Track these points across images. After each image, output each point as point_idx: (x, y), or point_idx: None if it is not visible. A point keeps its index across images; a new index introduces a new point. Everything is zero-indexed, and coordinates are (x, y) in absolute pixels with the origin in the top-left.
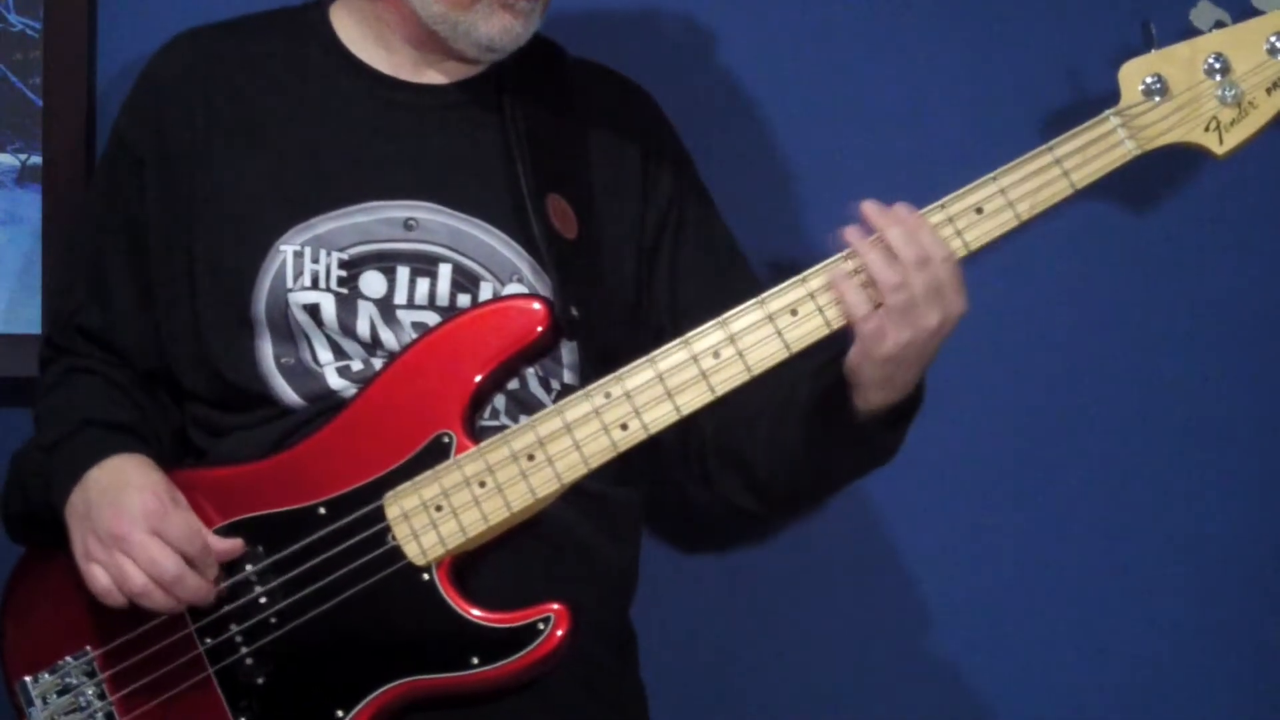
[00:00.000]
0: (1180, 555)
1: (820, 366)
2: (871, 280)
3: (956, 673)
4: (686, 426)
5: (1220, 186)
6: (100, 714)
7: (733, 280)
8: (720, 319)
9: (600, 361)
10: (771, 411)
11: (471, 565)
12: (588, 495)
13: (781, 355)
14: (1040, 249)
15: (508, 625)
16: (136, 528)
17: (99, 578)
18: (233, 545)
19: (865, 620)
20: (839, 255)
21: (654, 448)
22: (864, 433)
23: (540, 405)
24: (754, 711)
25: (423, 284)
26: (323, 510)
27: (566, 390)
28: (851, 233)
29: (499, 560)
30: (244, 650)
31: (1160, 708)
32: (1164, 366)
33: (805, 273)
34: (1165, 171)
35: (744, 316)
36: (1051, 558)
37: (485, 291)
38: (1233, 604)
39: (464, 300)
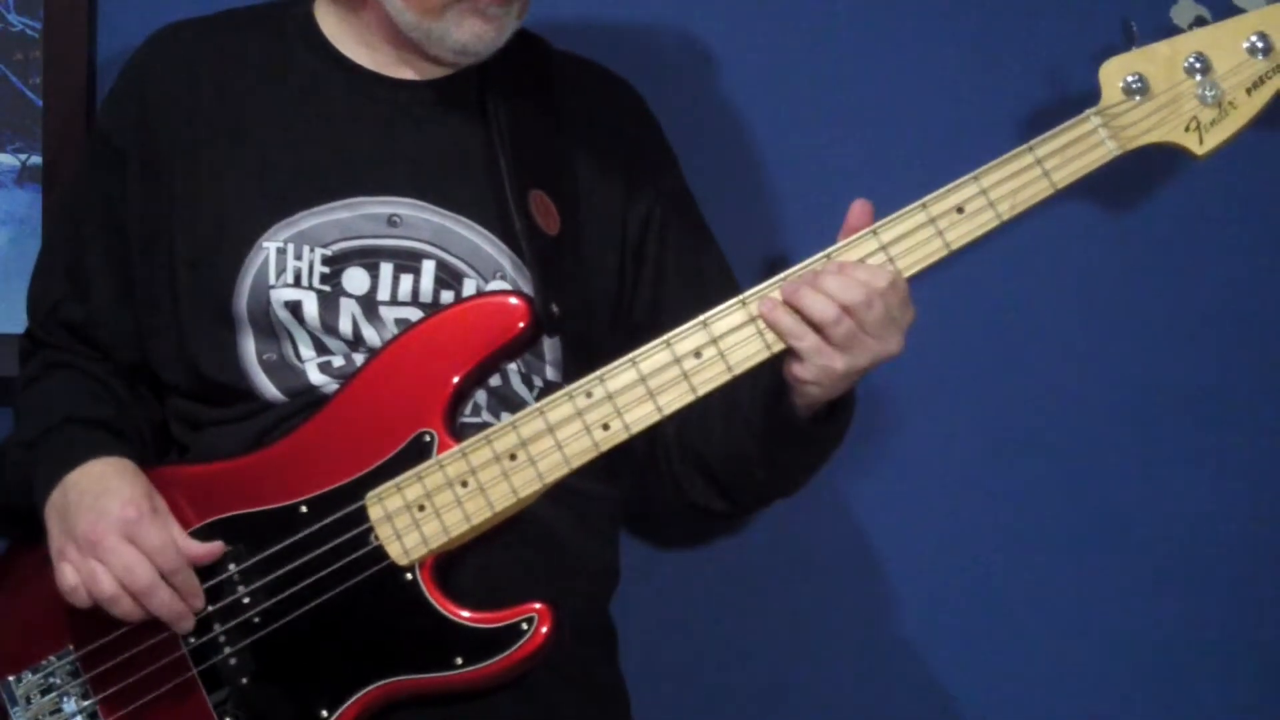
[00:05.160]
0: (1176, 555)
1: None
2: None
3: (940, 670)
4: (653, 434)
5: (1213, 174)
6: (84, 715)
7: (712, 279)
8: (702, 319)
9: (583, 357)
10: (722, 412)
11: (453, 563)
12: (569, 493)
13: (763, 355)
14: (1029, 242)
15: (491, 625)
16: (111, 534)
17: (68, 577)
18: (212, 549)
19: (847, 616)
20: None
21: (626, 455)
22: (805, 429)
23: (522, 402)
24: (734, 708)
25: (406, 280)
26: (304, 509)
27: (549, 386)
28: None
29: (481, 558)
30: (228, 650)
31: (1157, 708)
32: (1159, 364)
33: (785, 272)
34: (1157, 162)
35: (726, 317)
36: (1041, 560)
37: (468, 288)
38: (1229, 605)
39: (447, 297)
